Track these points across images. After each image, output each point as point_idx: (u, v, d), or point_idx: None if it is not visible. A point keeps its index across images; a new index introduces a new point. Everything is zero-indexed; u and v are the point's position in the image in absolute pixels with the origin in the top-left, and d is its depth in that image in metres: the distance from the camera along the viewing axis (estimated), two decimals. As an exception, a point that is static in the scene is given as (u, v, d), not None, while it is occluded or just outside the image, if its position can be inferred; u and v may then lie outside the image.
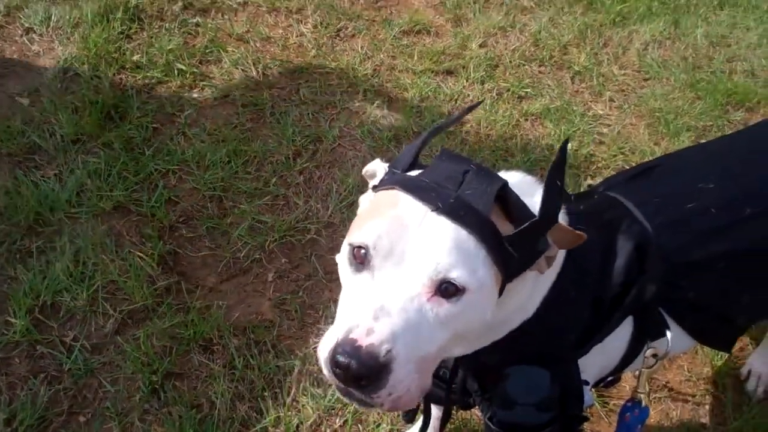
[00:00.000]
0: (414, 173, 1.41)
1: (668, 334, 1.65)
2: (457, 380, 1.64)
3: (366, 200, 1.56)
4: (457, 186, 1.32)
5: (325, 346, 1.30)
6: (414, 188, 1.33)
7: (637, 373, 1.77)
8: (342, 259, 1.40)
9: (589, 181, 3.33)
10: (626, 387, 2.53)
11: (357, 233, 1.33)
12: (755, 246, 1.69)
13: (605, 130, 3.63)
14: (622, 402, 1.90)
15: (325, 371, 1.30)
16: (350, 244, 1.34)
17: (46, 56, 3.49)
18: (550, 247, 1.38)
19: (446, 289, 1.28)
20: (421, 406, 1.82)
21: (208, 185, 3.03)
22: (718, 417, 2.64)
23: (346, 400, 1.33)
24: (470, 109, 1.64)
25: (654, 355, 1.69)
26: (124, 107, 3.28)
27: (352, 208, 3.04)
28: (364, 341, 1.22)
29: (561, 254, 1.50)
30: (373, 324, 1.23)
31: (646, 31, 4.27)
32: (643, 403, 1.78)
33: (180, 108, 3.35)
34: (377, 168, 1.54)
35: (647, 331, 1.66)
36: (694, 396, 2.68)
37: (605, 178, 1.95)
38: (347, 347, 1.22)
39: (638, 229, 1.61)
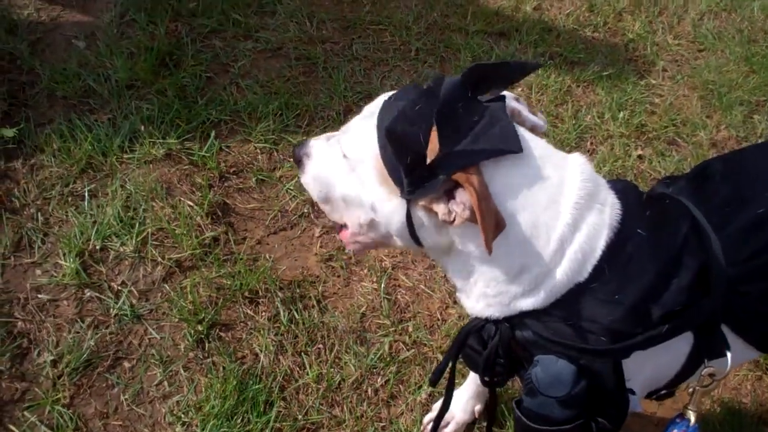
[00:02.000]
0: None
1: (728, 354, 1.50)
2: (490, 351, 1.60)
3: None
4: (424, 96, 1.36)
5: None
6: (413, 86, 1.46)
7: (690, 390, 1.62)
8: None
9: (640, 152, 3.16)
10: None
11: None
12: None
13: (657, 100, 3.45)
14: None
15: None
16: None
17: (103, 0, 3.35)
18: (453, 200, 1.35)
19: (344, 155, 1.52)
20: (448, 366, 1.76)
21: (259, 137, 2.90)
22: (761, 398, 2.51)
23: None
24: (536, 66, 1.53)
25: (711, 375, 1.55)
26: (178, 55, 3.15)
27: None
28: (309, 141, 1.63)
29: (594, 248, 1.41)
30: (321, 139, 1.61)
31: (702, 1, 4.04)
32: (693, 421, 1.64)
33: (234, 58, 3.21)
34: None
35: (706, 349, 1.53)
36: (736, 375, 2.55)
37: (667, 176, 1.77)
38: (305, 140, 1.65)
39: (705, 246, 1.45)
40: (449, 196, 1.35)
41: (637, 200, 1.52)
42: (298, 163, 1.64)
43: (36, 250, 2.47)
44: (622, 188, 1.52)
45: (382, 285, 2.56)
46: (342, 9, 3.59)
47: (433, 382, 1.78)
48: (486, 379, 1.68)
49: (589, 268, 1.41)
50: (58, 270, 2.43)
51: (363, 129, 1.48)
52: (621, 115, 3.29)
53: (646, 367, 1.52)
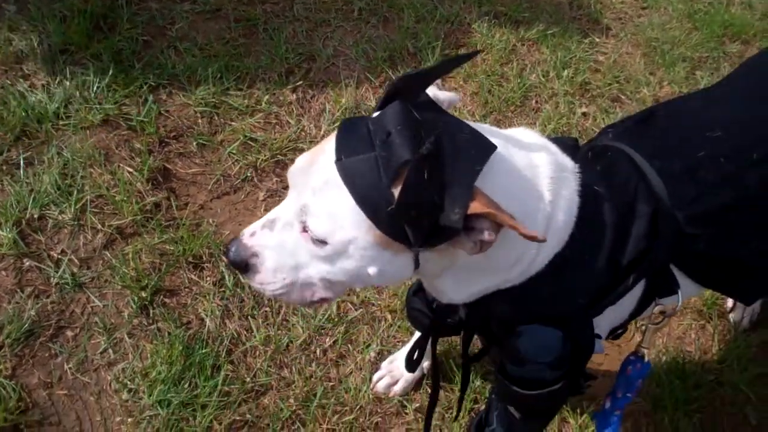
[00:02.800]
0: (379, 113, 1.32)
1: (679, 293, 1.57)
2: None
3: None
4: (380, 141, 1.26)
5: None
6: (346, 130, 1.32)
7: (643, 327, 1.71)
8: None
9: (584, 109, 3.22)
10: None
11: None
12: (759, 196, 1.59)
13: (601, 58, 3.50)
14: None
15: None
16: None
17: (33, -37, 3.29)
18: (473, 230, 1.27)
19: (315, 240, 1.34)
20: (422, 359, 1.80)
21: (199, 101, 2.89)
22: (704, 346, 2.60)
23: None
24: (472, 55, 1.52)
25: (662, 312, 1.63)
26: (113, 17, 3.10)
27: (345, 128, 2.92)
28: (245, 240, 1.41)
29: (571, 217, 1.42)
30: (258, 230, 1.41)
31: (645, -41, 4.10)
32: (646, 358, 1.71)
33: (171, 21, 3.17)
34: None
35: (657, 289, 1.59)
36: (680, 324, 2.63)
37: (609, 125, 1.82)
38: (234, 239, 1.43)
39: (653, 192, 1.51)
40: (466, 229, 1.26)
41: (586, 157, 1.57)
42: (244, 267, 1.42)
43: (-30, 220, 2.44)
44: (572, 147, 1.55)
45: (328, 246, 2.58)
46: (282, -31, 3.57)
47: (412, 369, 1.80)
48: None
49: (566, 237, 1.43)
50: (-6, 240, 2.41)
51: (335, 207, 1.30)
52: (565, 73, 3.34)
53: (608, 313, 1.56)
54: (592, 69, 3.43)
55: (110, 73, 2.86)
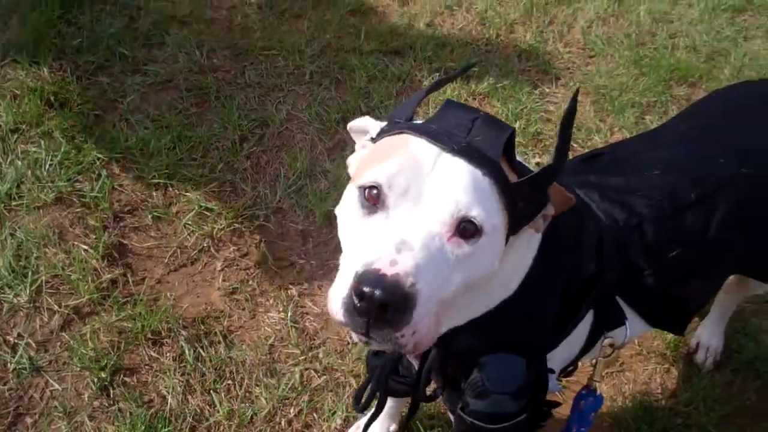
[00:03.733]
0: (418, 122, 1.36)
1: (627, 323, 1.64)
2: (423, 371, 1.61)
3: (360, 154, 1.47)
4: (467, 133, 1.29)
5: (339, 288, 1.21)
6: (425, 132, 1.29)
7: (593, 361, 1.74)
8: (348, 204, 1.32)
9: (537, 159, 3.29)
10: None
11: (367, 174, 1.26)
12: (698, 235, 1.69)
13: (552, 108, 3.60)
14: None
15: (340, 314, 1.20)
16: (361, 186, 1.27)
17: (-18, 42, 3.34)
18: (548, 203, 1.35)
19: (465, 229, 1.23)
20: (376, 396, 1.78)
21: (152, 173, 2.92)
22: (670, 389, 2.64)
23: (365, 343, 1.24)
24: (467, 68, 1.61)
25: (611, 345, 1.67)
26: (64, 94, 3.15)
27: (301, 192, 2.97)
28: (388, 271, 1.14)
29: (537, 238, 1.46)
30: (396, 256, 1.16)
31: (590, 9, 4.23)
32: (598, 392, 1.76)
33: (122, 94, 3.22)
34: (367, 123, 1.47)
35: (605, 321, 1.64)
36: (645, 369, 2.67)
37: None
38: (372, 276, 1.14)
39: (599, 223, 1.60)
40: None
41: None
42: (403, 306, 1.15)
43: None
44: None
45: (289, 314, 2.61)
46: (232, 36, 3.64)
47: (362, 409, 1.78)
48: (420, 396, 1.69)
49: (530, 260, 1.47)
50: (-53, 327, 2.41)
51: (480, 191, 1.24)
52: (517, 124, 3.42)
53: (561, 347, 1.60)
54: (543, 119, 3.52)
55: (62, 149, 2.90)
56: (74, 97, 3.13)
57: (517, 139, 3.24)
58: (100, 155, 2.93)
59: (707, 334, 2.69)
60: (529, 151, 3.32)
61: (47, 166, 2.85)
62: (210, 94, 3.30)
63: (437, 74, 3.63)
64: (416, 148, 1.26)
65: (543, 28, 4.08)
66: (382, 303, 1.13)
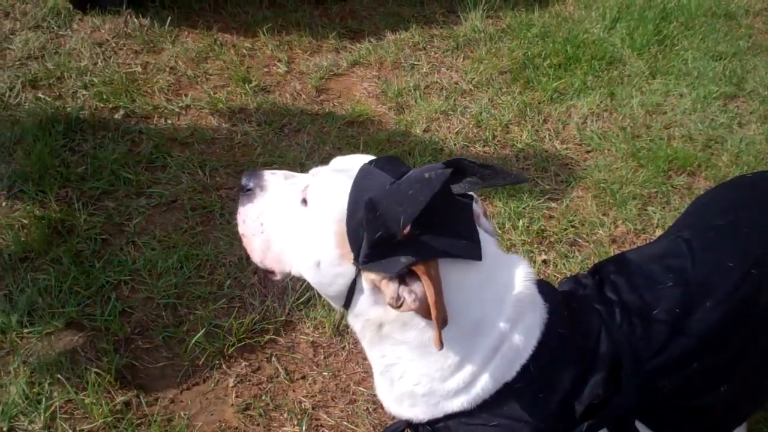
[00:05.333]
0: None
1: None
2: None
3: None
4: (407, 178, 1.45)
5: None
6: (395, 160, 1.57)
7: None
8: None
9: (544, 257, 3.40)
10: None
11: None
12: (720, 338, 1.72)
13: (554, 204, 3.73)
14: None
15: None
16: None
17: (-11, 175, 3.51)
18: (414, 280, 1.42)
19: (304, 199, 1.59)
20: None
21: (161, 293, 3.03)
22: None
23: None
24: (521, 180, 1.66)
25: None
26: (71, 221, 3.29)
27: (309, 303, 3.07)
28: (265, 174, 1.73)
29: (528, 346, 1.54)
30: (278, 174, 1.74)
31: (583, 105, 4.43)
32: None
33: (128, 217, 3.37)
34: None
35: None
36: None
37: (570, 276, 1.98)
38: (258, 170, 1.76)
39: (615, 344, 1.62)
40: (401, 280, 1.42)
41: (557, 300, 1.67)
42: (247, 191, 1.71)
43: (-62, 443, 2.51)
44: (546, 289, 1.67)
45: (304, 427, 2.67)
46: (234, 154, 3.82)
47: None
48: None
49: (517, 367, 1.53)
50: (-37, 460, 2.47)
51: (335, 183, 1.53)
52: (521, 223, 3.55)
53: None
54: (546, 216, 3.65)
55: (71, 275, 3.02)
56: (81, 223, 3.27)
57: (521, 237, 3.39)
58: (108, 278, 3.05)
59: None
60: (535, 248, 3.44)
61: (57, 292, 2.96)
62: (215, 212, 3.44)
63: (437, 179, 3.77)
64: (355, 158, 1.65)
65: (538, 126, 4.27)
66: (243, 178, 1.76)
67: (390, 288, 1.44)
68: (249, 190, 1.72)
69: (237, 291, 3.10)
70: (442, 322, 1.39)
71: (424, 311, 1.42)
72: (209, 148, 3.84)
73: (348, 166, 1.58)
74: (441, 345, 1.39)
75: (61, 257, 3.11)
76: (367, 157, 1.60)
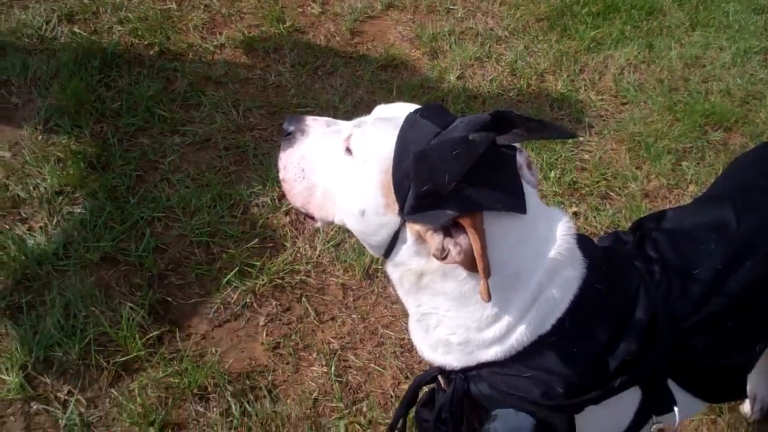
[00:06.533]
0: None
1: (676, 410, 1.67)
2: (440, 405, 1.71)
3: None
4: (451, 129, 1.46)
5: None
6: (440, 107, 1.57)
7: None
8: None
9: (574, 209, 3.40)
10: None
11: None
12: (756, 297, 1.73)
13: (587, 156, 3.71)
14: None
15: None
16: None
17: (25, 108, 3.53)
18: (460, 232, 1.43)
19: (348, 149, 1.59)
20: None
21: (194, 231, 3.07)
22: (715, 439, 2.70)
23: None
24: (570, 134, 1.61)
25: (660, 430, 1.70)
26: (106, 156, 3.32)
27: (340, 246, 3.10)
28: (306, 119, 1.70)
29: (564, 300, 1.55)
30: (319, 120, 1.70)
31: (620, 56, 4.37)
32: None
33: (162, 154, 3.39)
34: None
35: (653, 405, 1.68)
36: (692, 421, 2.73)
37: (610, 232, 1.98)
38: (299, 115, 1.72)
39: (652, 301, 1.63)
40: (446, 231, 1.43)
41: (596, 255, 1.67)
42: (288, 135, 1.69)
43: (-23, 368, 2.58)
44: (585, 244, 1.67)
45: (332, 368, 2.71)
46: (267, 95, 3.82)
47: None
48: None
49: (553, 320, 1.54)
50: (2, 386, 2.54)
51: (380, 132, 1.53)
52: (552, 174, 3.54)
53: (597, 422, 1.64)
54: (578, 168, 3.64)
55: (106, 210, 3.05)
56: (116, 159, 3.30)
57: (552, 189, 3.39)
58: (143, 215, 3.09)
59: (754, 384, 2.73)
60: (566, 200, 3.43)
61: (92, 227, 3.00)
62: (248, 153, 3.46)
63: (470, 126, 3.75)
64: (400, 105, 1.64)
65: (574, 76, 4.22)
66: (284, 122, 1.72)
67: (435, 239, 1.44)
68: (290, 134, 1.70)
69: (269, 231, 3.12)
70: (487, 274, 1.40)
71: (468, 263, 1.43)
72: (243, 88, 3.84)
73: (393, 114, 1.58)
74: (489, 296, 1.41)
75: (97, 192, 3.14)
76: (412, 106, 1.59)
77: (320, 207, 1.68)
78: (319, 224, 1.74)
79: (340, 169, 1.60)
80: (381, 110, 1.66)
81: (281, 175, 1.72)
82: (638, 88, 4.17)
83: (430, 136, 1.44)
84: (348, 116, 3.62)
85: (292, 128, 1.70)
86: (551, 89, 4.11)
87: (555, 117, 3.93)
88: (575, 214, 3.39)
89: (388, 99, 3.85)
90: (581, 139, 3.81)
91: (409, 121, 1.51)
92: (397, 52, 4.22)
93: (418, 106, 1.58)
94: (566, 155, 3.67)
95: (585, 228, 3.31)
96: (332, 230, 3.13)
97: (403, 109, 1.57)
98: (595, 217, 3.37)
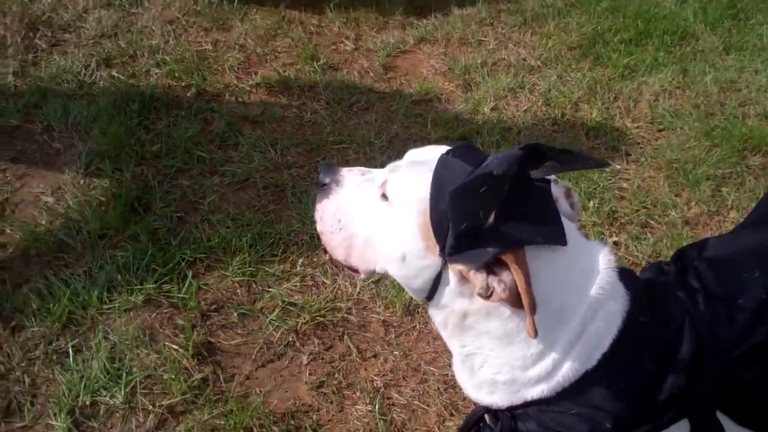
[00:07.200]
0: None
1: None
2: None
3: None
4: (484, 166, 1.45)
5: None
6: (470, 146, 1.57)
7: None
8: None
9: (615, 238, 3.36)
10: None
11: None
12: None
13: (625, 185, 3.68)
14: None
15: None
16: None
17: (67, 153, 3.58)
18: (503, 268, 1.41)
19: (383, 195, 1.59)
20: None
21: (236, 271, 3.08)
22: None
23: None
24: (601, 164, 1.66)
25: None
26: (147, 198, 3.35)
27: (379, 283, 3.09)
28: (341, 169, 1.72)
29: (609, 334, 1.53)
30: (354, 170, 1.72)
31: (655, 82, 4.35)
32: None
33: (202, 195, 3.41)
34: None
35: None
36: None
37: (651, 263, 1.95)
38: (334, 165, 1.75)
39: (698, 332, 1.60)
40: (488, 269, 1.42)
41: (639, 288, 1.64)
42: (323, 186, 1.71)
43: (26, 414, 2.59)
44: (628, 277, 1.64)
45: (376, 406, 2.69)
46: (304, 133, 3.84)
47: None
48: None
49: (598, 355, 1.52)
50: (50, 431, 2.55)
51: (415, 175, 1.53)
52: (591, 204, 3.51)
53: None
54: (617, 197, 3.61)
55: (149, 252, 3.07)
56: (157, 201, 3.33)
57: (591, 219, 3.36)
58: (184, 256, 3.10)
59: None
60: (606, 230, 3.40)
61: (135, 269, 3.02)
62: (286, 191, 3.47)
63: (507, 158, 3.74)
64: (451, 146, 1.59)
65: (608, 104, 4.20)
66: (318, 173, 1.77)
67: (478, 278, 1.43)
68: (325, 185, 1.71)
69: (309, 269, 3.13)
70: (533, 310, 1.38)
71: (513, 300, 1.41)
72: (280, 127, 3.87)
73: (426, 157, 1.57)
74: (535, 332, 1.39)
75: (139, 234, 3.16)
76: (443, 148, 1.59)
77: (361, 257, 1.68)
78: (362, 276, 1.74)
79: (377, 216, 1.61)
80: (413, 154, 1.66)
81: (318, 227, 1.73)
82: (674, 114, 4.13)
83: (463, 175, 1.44)
84: (384, 151, 3.68)
85: (327, 179, 1.71)
86: (586, 118, 4.09)
87: (591, 146, 3.91)
88: (616, 243, 3.35)
89: (423, 133, 3.86)
90: (618, 167, 3.78)
91: (443, 161, 1.51)
92: (431, 85, 4.23)
93: (449, 147, 1.57)
94: (604, 184, 3.64)
95: (626, 258, 3.27)
96: (372, 267, 3.13)
97: (435, 151, 1.57)
98: (636, 246, 3.33)
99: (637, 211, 3.52)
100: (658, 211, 3.53)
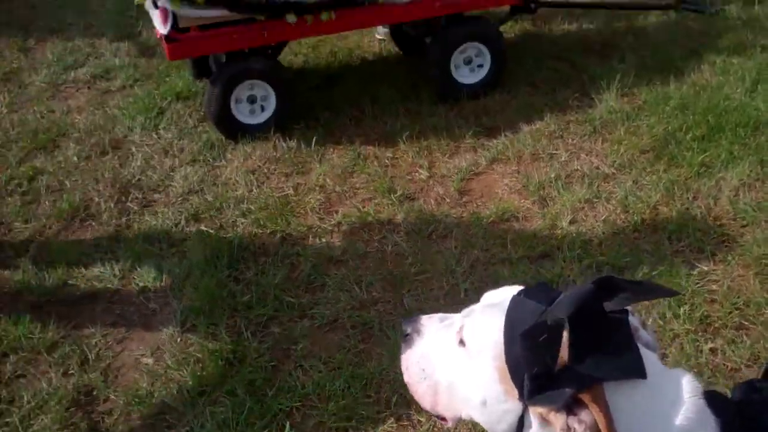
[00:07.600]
0: None
1: None
2: None
3: None
4: (556, 304, 1.47)
5: None
6: (544, 285, 1.60)
7: None
8: None
9: (710, 345, 3.28)
10: None
11: None
12: None
13: (714, 287, 3.61)
14: None
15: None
16: None
17: (163, 312, 3.73)
18: (581, 408, 1.40)
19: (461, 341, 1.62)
20: None
21: (332, 417, 3.11)
22: None
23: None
24: (671, 293, 1.66)
25: None
26: (241, 350, 3.44)
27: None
28: (421, 318, 1.78)
29: None
30: (434, 318, 1.76)
31: (732, 177, 4.30)
32: None
33: (294, 341, 3.49)
34: None
35: None
36: None
37: (745, 382, 1.91)
38: (417, 316, 1.80)
39: None
40: (568, 410, 1.40)
41: (731, 412, 1.58)
42: (406, 337, 1.75)
43: None
44: (717, 402, 1.58)
45: None
46: (387, 266, 3.91)
47: None
48: None
49: None
50: None
51: (489, 319, 1.54)
52: (682, 310, 3.44)
53: None
54: (707, 300, 3.53)
55: (247, 406, 3.14)
56: (251, 352, 3.42)
57: (684, 326, 3.30)
58: (281, 406, 3.16)
59: None
60: (699, 337, 3.32)
61: (235, 424, 3.09)
62: (374, 328, 3.52)
63: (589, 271, 3.74)
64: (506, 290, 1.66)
65: (688, 204, 4.17)
66: (402, 325, 1.82)
67: (559, 420, 1.43)
68: (407, 335, 1.77)
69: (403, 408, 3.13)
70: None
71: None
72: (363, 263, 3.95)
73: (499, 299, 1.60)
74: None
75: (236, 388, 3.24)
76: (516, 288, 1.62)
77: (447, 405, 1.70)
78: (450, 424, 1.76)
79: (457, 362, 1.63)
80: (489, 296, 1.69)
81: (405, 378, 1.79)
82: (756, 207, 4.07)
83: (535, 316, 1.46)
84: (466, 278, 3.72)
85: (409, 329, 1.76)
86: (667, 221, 4.05)
87: (675, 250, 3.86)
88: (711, 350, 3.27)
89: (504, 254, 3.89)
90: (705, 269, 3.71)
91: (515, 303, 1.53)
92: (507, 205, 4.28)
93: (522, 288, 1.61)
94: (693, 288, 3.58)
95: (724, 364, 3.19)
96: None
97: (509, 292, 1.60)
98: (733, 351, 3.24)
99: (730, 313, 3.43)
100: (751, 311, 3.44)
